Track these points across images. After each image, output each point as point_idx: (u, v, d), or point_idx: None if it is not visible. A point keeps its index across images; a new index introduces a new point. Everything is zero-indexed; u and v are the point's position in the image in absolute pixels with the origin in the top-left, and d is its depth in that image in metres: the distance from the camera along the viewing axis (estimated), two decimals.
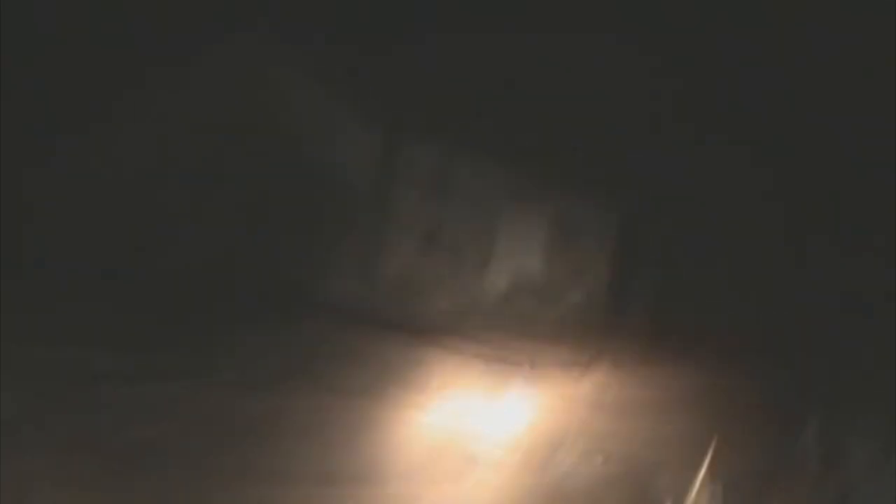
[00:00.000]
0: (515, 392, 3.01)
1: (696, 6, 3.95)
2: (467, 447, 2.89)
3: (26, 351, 2.54)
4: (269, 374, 2.65)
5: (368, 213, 4.05)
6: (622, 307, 4.43)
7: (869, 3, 3.49)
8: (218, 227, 3.61)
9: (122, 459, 2.45)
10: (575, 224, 4.47)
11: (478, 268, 4.29)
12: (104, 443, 2.49)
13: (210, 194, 3.62)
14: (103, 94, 3.22)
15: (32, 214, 3.18)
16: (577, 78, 4.07)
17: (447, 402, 2.89)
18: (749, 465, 3.23)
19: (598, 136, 4.12)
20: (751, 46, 3.91)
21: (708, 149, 4.11)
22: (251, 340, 2.78)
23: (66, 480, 2.38)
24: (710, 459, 3.17)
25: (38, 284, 2.85)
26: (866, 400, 3.49)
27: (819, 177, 4.23)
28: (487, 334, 3.72)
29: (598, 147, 4.17)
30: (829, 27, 3.57)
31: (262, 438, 2.55)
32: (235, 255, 3.69)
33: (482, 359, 3.10)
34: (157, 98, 3.41)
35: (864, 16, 3.47)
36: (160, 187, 3.44)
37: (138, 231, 3.36)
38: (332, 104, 3.85)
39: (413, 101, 4.02)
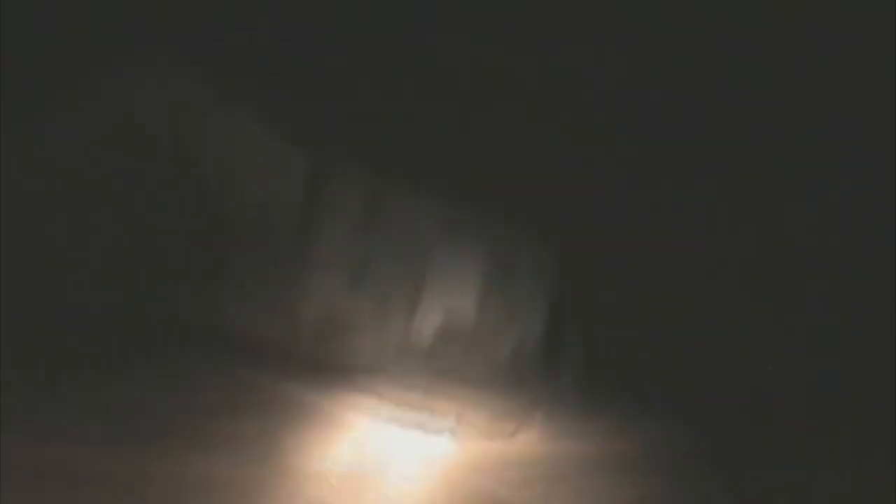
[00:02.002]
0: (438, 448, 2.74)
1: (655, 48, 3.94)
2: None
3: None
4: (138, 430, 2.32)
5: (290, 248, 3.80)
6: (556, 355, 4.27)
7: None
8: (123, 260, 3.39)
9: None
10: (509, 265, 4.30)
11: (405, 309, 4.06)
12: None
13: (112, 222, 3.39)
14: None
15: None
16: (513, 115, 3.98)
17: (361, 456, 2.59)
18: None
19: (537, 172, 4.02)
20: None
21: (650, 193, 4.06)
22: (139, 389, 2.47)
23: None
24: None
25: None
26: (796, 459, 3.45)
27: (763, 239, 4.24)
28: (412, 380, 3.48)
29: (537, 185, 4.06)
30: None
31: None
32: (140, 290, 3.41)
33: (404, 407, 2.83)
34: (64, 127, 3.29)
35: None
36: (60, 216, 3.32)
37: (36, 268, 3.22)
38: (253, 130, 3.62)
39: (341, 130, 3.84)
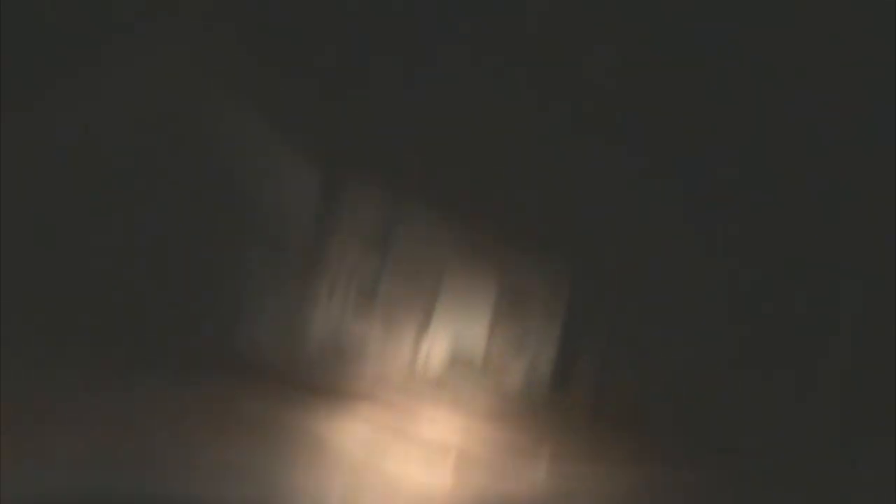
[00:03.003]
0: (440, 483, 2.60)
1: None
2: None
3: None
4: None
5: (297, 267, 3.69)
6: (566, 384, 4.14)
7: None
8: (121, 270, 3.32)
9: None
10: (521, 289, 4.18)
11: (414, 333, 3.95)
12: None
13: (111, 229, 3.30)
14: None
15: None
16: (529, 139, 3.88)
17: (357, 489, 2.45)
18: None
19: (549, 196, 3.92)
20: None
21: (662, 220, 3.97)
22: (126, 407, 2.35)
23: None
24: None
25: None
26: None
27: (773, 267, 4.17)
28: (416, 409, 3.35)
29: (549, 208, 3.96)
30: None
31: None
32: (142, 304, 3.33)
33: (409, 438, 2.69)
34: (63, 123, 3.15)
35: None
36: (64, 224, 3.20)
37: (38, 271, 3.09)
38: (262, 140, 3.54)
39: (355, 146, 3.75)
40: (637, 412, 3.80)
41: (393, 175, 3.76)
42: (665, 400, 3.98)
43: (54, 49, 3.23)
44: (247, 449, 2.55)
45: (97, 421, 2.32)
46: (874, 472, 3.25)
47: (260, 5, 3.55)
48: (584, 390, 4.17)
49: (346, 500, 2.45)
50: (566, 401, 4.01)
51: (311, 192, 3.73)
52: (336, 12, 3.65)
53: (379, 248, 3.85)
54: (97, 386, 2.63)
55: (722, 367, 4.04)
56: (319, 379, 3.49)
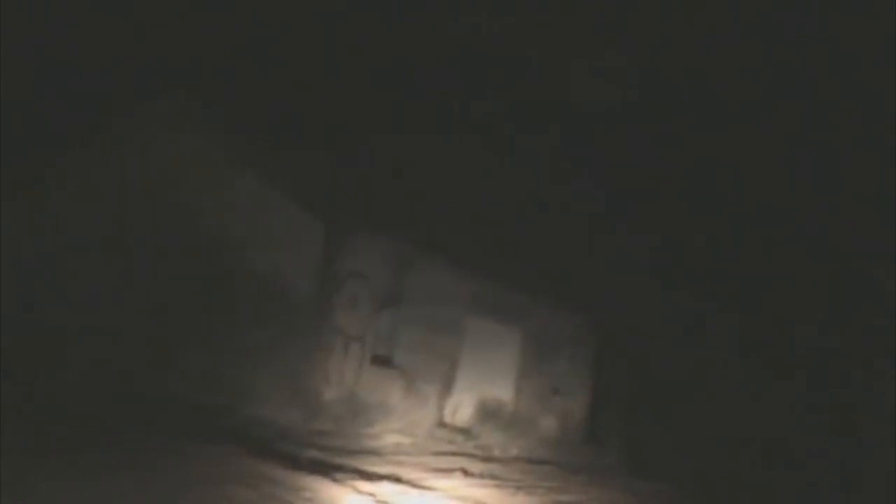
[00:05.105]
0: None
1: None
2: None
3: None
4: None
5: (307, 322, 3.49)
6: (596, 445, 4.01)
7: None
8: (130, 330, 3.28)
9: None
10: (545, 342, 4.00)
11: (434, 392, 3.79)
12: None
13: (121, 291, 3.29)
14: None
15: None
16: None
17: None
18: None
19: (569, 251, 3.74)
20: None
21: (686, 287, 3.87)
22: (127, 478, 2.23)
23: None
24: None
25: None
26: None
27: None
28: (442, 467, 3.21)
29: (571, 264, 3.78)
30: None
31: None
32: (145, 364, 3.27)
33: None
34: (75, 189, 3.24)
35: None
36: (66, 282, 3.22)
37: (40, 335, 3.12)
38: (269, 195, 3.38)
39: (363, 207, 3.56)
40: (670, 457, 3.73)
41: (404, 225, 3.58)
42: (696, 443, 3.93)
43: (59, 128, 3.23)
44: None
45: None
46: None
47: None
48: (616, 443, 4.10)
49: None
50: (595, 464, 3.90)
51: (320, 246, 3.53)
52: (334, 82, 3.47)
53: (395, 305, 3.67)
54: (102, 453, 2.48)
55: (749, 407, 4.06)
56: (336, 440, 3.35)
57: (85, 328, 3.22)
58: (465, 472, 3.23)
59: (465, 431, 3.98)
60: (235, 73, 3.45)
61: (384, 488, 2.67)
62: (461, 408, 4.01)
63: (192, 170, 3.40)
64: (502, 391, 4.13)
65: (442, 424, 3.96)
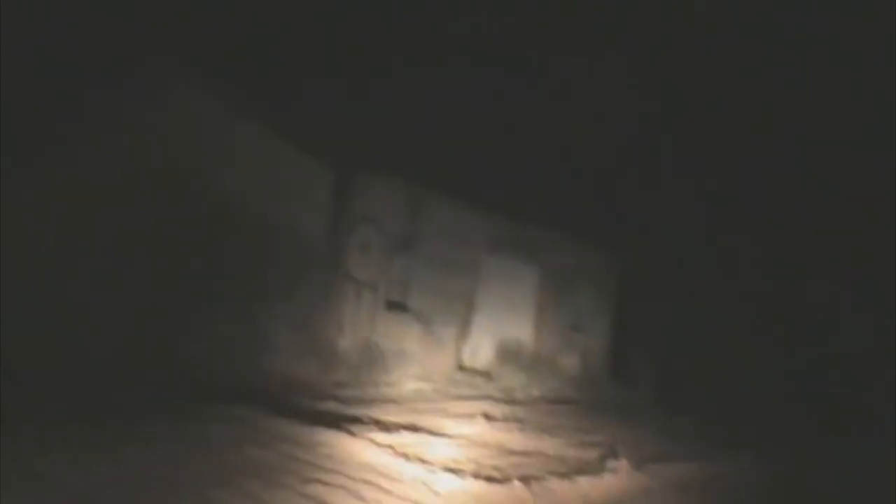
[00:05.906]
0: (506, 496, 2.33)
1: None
2: None
3: None
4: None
5: (323, 271, 3.49)
6: (622, 382, 3.93)
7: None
8: (136, 292, 3.19)
9: None
10: (565, 280, 3.98)
11: (451, 336, 3.76)
12: None
13: (133, 249, 3.19)
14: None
15: None
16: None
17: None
18: None
19: (580, 181, 3.79)
20: None
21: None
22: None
23: None
24: None
25: None
26: None
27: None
28: (462, 414, 3.13)
29: (582, 196, 3.81)
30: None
31: None
32: (151, 327, 3.20)
33: (461, 450, 2.47)
34: (82, 150, 3.13)
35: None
36: (79, 247, 3.10)
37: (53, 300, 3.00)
38: (277, 144, 3.40)
39: (375, 148, 3.61)
40: (697, 398, 3.65)
41: (419, 166, 3.62)
42: (722, 384, 3.83)
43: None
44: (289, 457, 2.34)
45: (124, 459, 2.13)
46: None
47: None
48: (643, 380, 4.01)
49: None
50: (625, 392, 3.83)
51: (331, 191, 3.56)
52: (350, 24, 3.57)
53: (409, 247, 3.68)
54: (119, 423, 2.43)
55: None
56: (353, 390, 3.29)
57: (94, 295, 3.22)
58: (487, 417, 3.17)
59: (485, 374, 3.90)
60: (229, 21, 3.54)
61: (404, 438, 2.62)
62: (480, 350, 3.94)
63: (195, 130, 3.41)
64: (521, 331, 4.06)
65: (461, 368, 3.89)
